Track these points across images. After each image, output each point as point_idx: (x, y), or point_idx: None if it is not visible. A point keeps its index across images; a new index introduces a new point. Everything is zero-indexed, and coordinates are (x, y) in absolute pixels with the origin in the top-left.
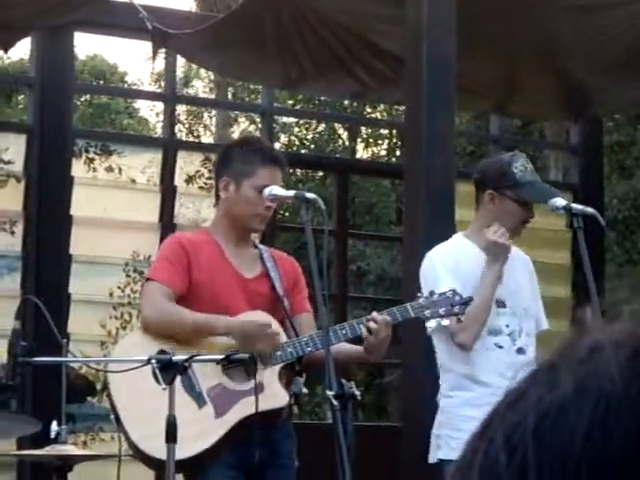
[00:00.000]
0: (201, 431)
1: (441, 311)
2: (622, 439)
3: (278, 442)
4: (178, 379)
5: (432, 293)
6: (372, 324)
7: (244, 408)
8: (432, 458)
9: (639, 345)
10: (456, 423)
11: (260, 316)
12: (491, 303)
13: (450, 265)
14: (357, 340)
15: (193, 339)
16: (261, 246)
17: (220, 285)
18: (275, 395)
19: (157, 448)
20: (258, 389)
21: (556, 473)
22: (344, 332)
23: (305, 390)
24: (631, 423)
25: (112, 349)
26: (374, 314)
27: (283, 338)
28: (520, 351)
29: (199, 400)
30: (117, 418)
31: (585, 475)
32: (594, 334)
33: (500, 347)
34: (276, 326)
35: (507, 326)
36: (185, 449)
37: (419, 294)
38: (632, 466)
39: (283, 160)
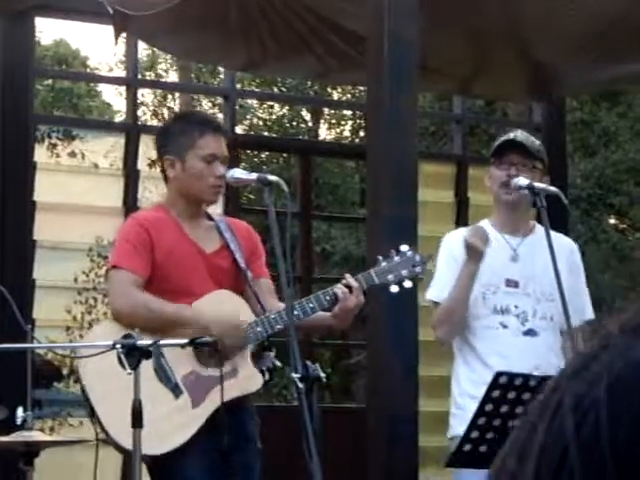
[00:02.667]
0: (180, 423)
1: (404, 273)
2: None
3: (245, 424)
4: (152, 370)
5: (392, 256)
6: (345, 288)
7: (220, 395)
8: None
9: None
10: (456, 399)
11: (227, 297)
12: (463, 302)
13: (454, 252)
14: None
15: (163, 330)
16: (216, 217)
17: (183, 263)
18: (250, 378)
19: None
20: (232, 373)
21: (632, 437)
22: (311, 306)
23: (278, 363)
24: None
25: (85, 335)
26: (349, 279)
27: (251, 317)
28: (530, 333)
29: (175, 390)
30: (92, 411)
31: None
32: None
33: (505, 327)
34: (247, 315)
35: (516, 307)
36: (166, 443)
37: (379, 257)
38: None
39: (220, 125)
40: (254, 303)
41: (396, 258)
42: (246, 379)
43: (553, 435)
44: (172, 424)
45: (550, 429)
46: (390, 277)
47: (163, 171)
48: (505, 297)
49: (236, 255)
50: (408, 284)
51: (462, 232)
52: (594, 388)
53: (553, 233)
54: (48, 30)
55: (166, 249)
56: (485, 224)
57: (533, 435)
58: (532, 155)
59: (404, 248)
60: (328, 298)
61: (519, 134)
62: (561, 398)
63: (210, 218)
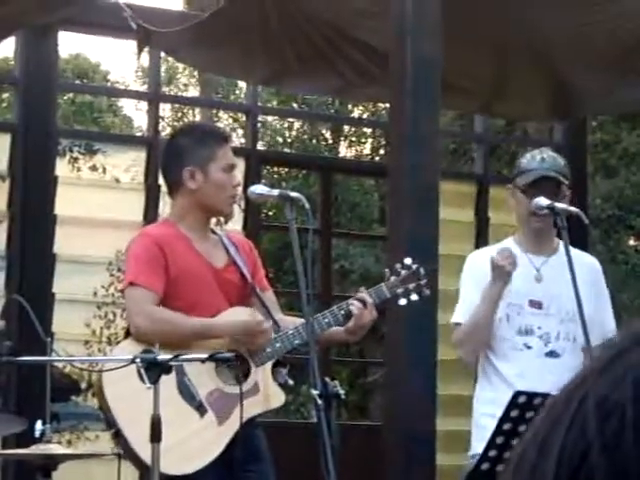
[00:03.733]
0: (208, 441)
1: (410, 287)
2: None
3: (254, 436)
4: (176, 389)
5: (399, 270)
6: (359, 303)
7: (245, 411)
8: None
9: None
10: (477, 419)
11: (247, 313)
12: (488, 321)
13: (478, 273)
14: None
15: (185, 344)
16: (218, 231)
17: (196, 279)
18: (272, 395)
19: (168, 465)
20: (254, 389)
21: None
22: (327, 321)
23: (291, 382)
24: None
25: (107, 354)
26: (364, 294)
27: (270, 334)
28: (552, 354)
29: (200, 409)
30: (116, 429)
31: None
32: None
33: (529, 347)
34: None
35: (539, 328)
36: (194, 461)
37: (386, 271)
38: None
39: (229, 136)
40: (260, 311)
41: (403, 272)
42: (268, 396)
43: (575, 434)
44: (199, 442)
45: (572, 428)
46: (399, 291)
47: (172, 184)
48: (529, 318)
49: (243, 270)
50: (414, 297)
51: (486, 252)
52: (619, 387)
53: (576, 252)
54: (67, 44)
55: (179, 266)
56: (509, 242)
57: (556, 430)
58: (562, 183)
59: (408, 261)
60: (343, 313)
61: (546, 156)
62: (585, 396)
63: (213, 232)
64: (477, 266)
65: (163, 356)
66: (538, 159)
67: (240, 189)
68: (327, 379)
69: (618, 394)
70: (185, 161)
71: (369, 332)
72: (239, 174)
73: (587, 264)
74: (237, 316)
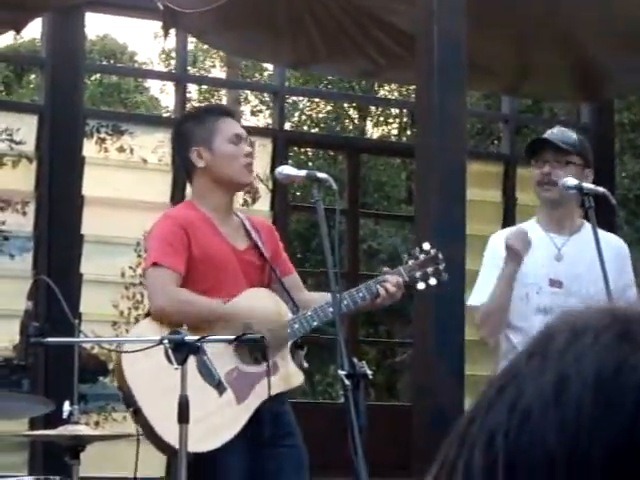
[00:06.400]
0: (226, 420)
1: (429, 271)
2: (612, 433)
3: (284, 412)
4: (194, 368)
5: (417, 254)
6: (389, 286)
7: (263, 391)
8: None
9: (622, 329)
10: None
11: (266, 295)
12: (503, 302)
13: (497, 254)
14: None
15: (205, 326)
16: (240, 214)
17: (218, 261)
18: (291, 374)
19: (189, 443)
20: (273, 369)
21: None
22: (345, 303)
23: (306, 364)
24: (621, 414)
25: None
26: (388, 277)
27: (289, 315)
28: None
29: (219, 387)
30: (136, 412)
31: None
32: (573, 319)
33: None
34: (285, 310)
35: (560, 308)
36: (213, 439)
37: (404, 255)
38: (621, 463)
39: (231, 110)
40: (285, 299)
41: (421, 256)
42: (287, 376)
43: (470, 476)
44: (218, 421)
45: (468, 468)
46: (418, 274)
47: (187, 167)
48: (549, 297)
49: (264, 253)
50: (433, 281)
51: (506, 233)
52: (506, 423)
53: (603, 233)
54: (94, 25)
55: (202, 247)
56: (531, 223)
57: (457, 464)
58: (564, 150)
59: (427, 246)
60: (361, 295)
61: (555, 130)
62: (475, 436)
63: (236, 215)
64: (497, 248)
65: (191, 337)
66: (548, 132)
67: (251, 159)
68: (355, 359)
69: (505, 428)
70: (190, 142)
71: (397, 313)
72: (266, 154)
73: (613, 244)
74: (256, 299)
